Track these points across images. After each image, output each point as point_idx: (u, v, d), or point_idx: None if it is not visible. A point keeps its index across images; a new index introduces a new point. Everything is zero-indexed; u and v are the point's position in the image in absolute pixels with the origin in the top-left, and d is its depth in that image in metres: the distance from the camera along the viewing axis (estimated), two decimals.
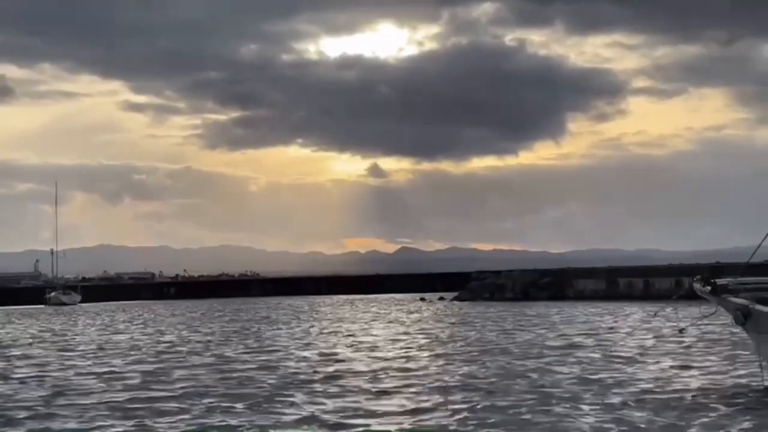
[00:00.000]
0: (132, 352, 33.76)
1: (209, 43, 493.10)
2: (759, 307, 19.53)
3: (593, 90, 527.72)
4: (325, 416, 17.77)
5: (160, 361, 29.44)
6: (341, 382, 22.70)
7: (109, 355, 32.75)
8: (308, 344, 35.42)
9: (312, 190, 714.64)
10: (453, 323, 47.28)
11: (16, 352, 36.09)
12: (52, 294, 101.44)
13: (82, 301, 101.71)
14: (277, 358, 29.41)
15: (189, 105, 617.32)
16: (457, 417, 17.40)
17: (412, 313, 60.69)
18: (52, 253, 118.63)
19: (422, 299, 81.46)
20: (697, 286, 20.83)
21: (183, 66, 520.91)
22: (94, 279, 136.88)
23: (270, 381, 23.27)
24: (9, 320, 66.04)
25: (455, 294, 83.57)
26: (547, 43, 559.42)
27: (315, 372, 25.03)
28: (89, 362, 30.18)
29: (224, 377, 24.39)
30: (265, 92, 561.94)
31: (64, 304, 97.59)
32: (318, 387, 21.91)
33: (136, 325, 54.76)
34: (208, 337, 40.74)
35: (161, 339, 40.83)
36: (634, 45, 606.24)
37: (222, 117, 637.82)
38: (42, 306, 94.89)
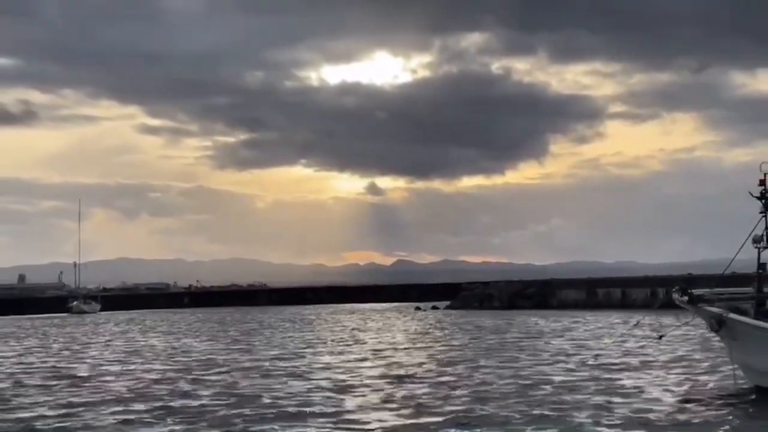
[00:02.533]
0: None
1: (218, 70, 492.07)
2: (732, 315, 19.55)
3: (573, 114, 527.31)
4: None
5: None
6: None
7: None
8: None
9: (314, 207, 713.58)
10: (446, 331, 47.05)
11: None
12: (74, 303, 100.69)
13: (102, 310, 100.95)
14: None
15: (200, 128, 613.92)
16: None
17: (411, 320, 60.50)
18: (74, 265, 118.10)
19: (417, 308, 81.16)
20: (675, 296, 20.85)
21: (194, 92, 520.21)
22: (113, 289, 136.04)
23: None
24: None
25: (447, 303, 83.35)
26: (531, 71, 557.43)
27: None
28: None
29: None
30: (270, 116, 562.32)
31: (85, 312, 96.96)
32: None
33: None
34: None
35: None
36: (611, 73, 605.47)
37: (231, 139, 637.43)
38: (65, 314, 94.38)
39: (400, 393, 21.08)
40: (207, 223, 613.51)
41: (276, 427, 16.95)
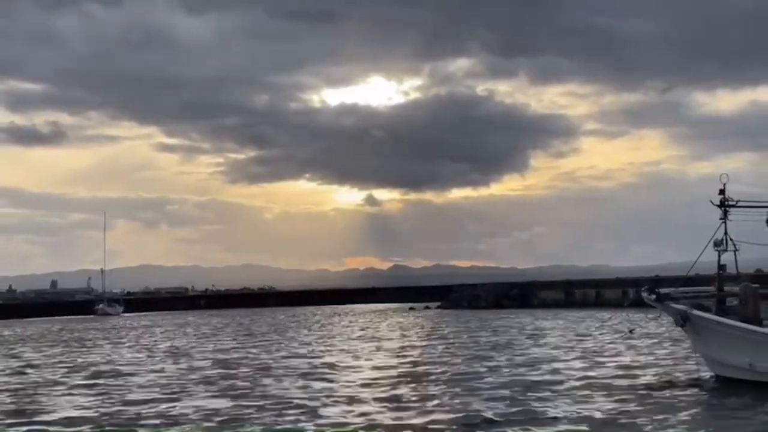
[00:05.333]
0: None
1: (228, 93, 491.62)
2: (695, 311, 19.66)
3: (551, 132, 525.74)
4: None
5: None
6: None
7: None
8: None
9: (318, 217, 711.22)
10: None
11: None
12: (99, 306, 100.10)
13: (125, 311, 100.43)
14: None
15: (213, 146, 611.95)
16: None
17: (406, 319, 60.47)
18: (101, 271, 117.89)
19: (411, 308, 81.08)
20: (644, 294, 20.93)
21: (207, 113, 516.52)
22: (137, 293, 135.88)
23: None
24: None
25: (438, 303, 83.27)
26: (512, 93, 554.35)
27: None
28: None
29: None
30: (276, 135, 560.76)
31: (109, 314, 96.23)
32: None
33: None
34: None
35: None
36: (585, 94, 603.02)
37: (241, 156, 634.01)
38: (91, 316, 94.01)
39: (394, 390, 20.94)
40: (220, 232, 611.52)
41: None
